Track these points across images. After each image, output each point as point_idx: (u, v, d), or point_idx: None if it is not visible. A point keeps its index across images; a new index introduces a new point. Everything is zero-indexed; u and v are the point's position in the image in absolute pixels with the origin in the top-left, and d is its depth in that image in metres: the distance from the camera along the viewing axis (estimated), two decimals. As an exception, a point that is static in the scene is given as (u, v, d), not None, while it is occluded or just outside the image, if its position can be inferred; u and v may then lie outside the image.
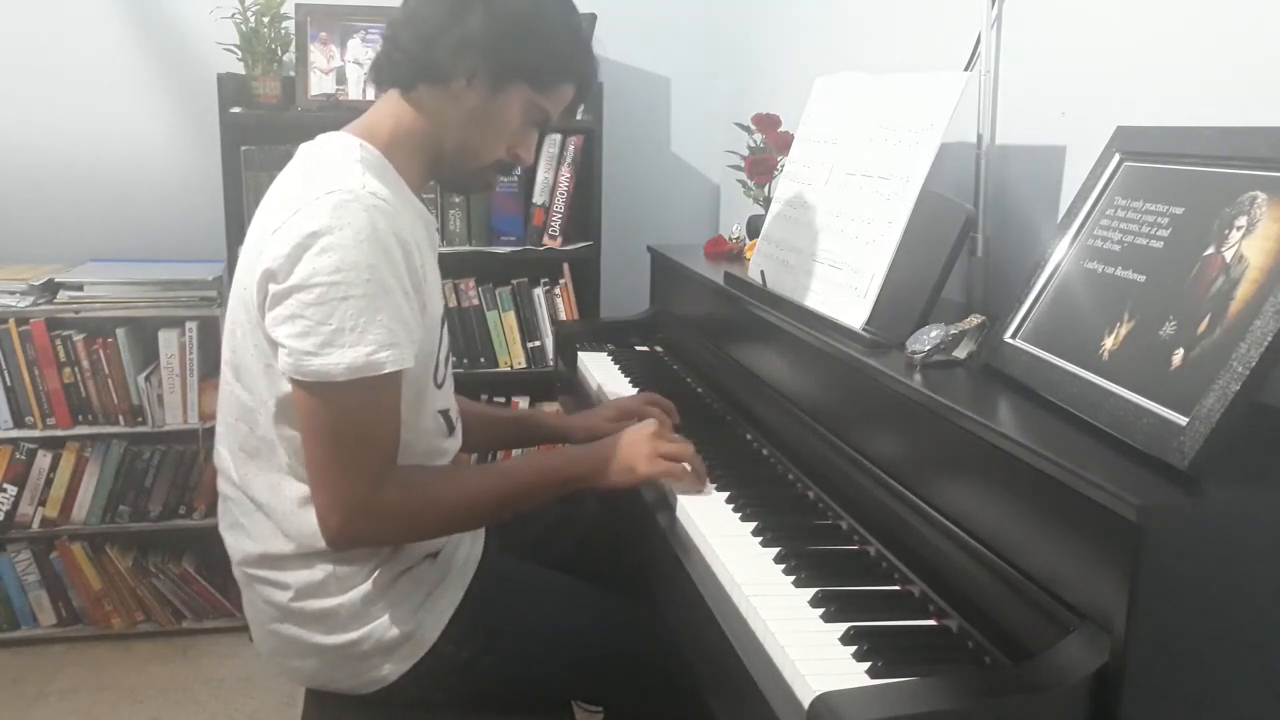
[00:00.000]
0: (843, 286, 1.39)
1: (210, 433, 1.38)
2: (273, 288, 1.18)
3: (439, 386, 1.37)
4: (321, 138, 1.33)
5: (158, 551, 2.59)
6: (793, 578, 1.11)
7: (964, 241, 1.32)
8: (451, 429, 1.42)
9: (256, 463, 1.30)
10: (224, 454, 1.35)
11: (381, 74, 1.33)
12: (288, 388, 1.22)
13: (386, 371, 1.18)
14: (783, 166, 1.83)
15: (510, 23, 1.27)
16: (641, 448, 1.34)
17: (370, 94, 1.41)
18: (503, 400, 2.70)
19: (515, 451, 2.63)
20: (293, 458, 1.27)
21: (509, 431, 1.77)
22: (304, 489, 1.26)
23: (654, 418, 1.47)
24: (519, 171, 2.59)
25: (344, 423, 1.19)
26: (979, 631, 0.97)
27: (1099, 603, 0.84)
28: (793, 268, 1.54)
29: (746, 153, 2.09)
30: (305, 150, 1.33)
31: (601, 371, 1.96)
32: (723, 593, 1.12)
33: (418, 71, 1.29)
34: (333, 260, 1.16)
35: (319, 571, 1.29)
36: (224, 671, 2.45)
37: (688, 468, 1.35)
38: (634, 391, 1.80)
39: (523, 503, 1.35)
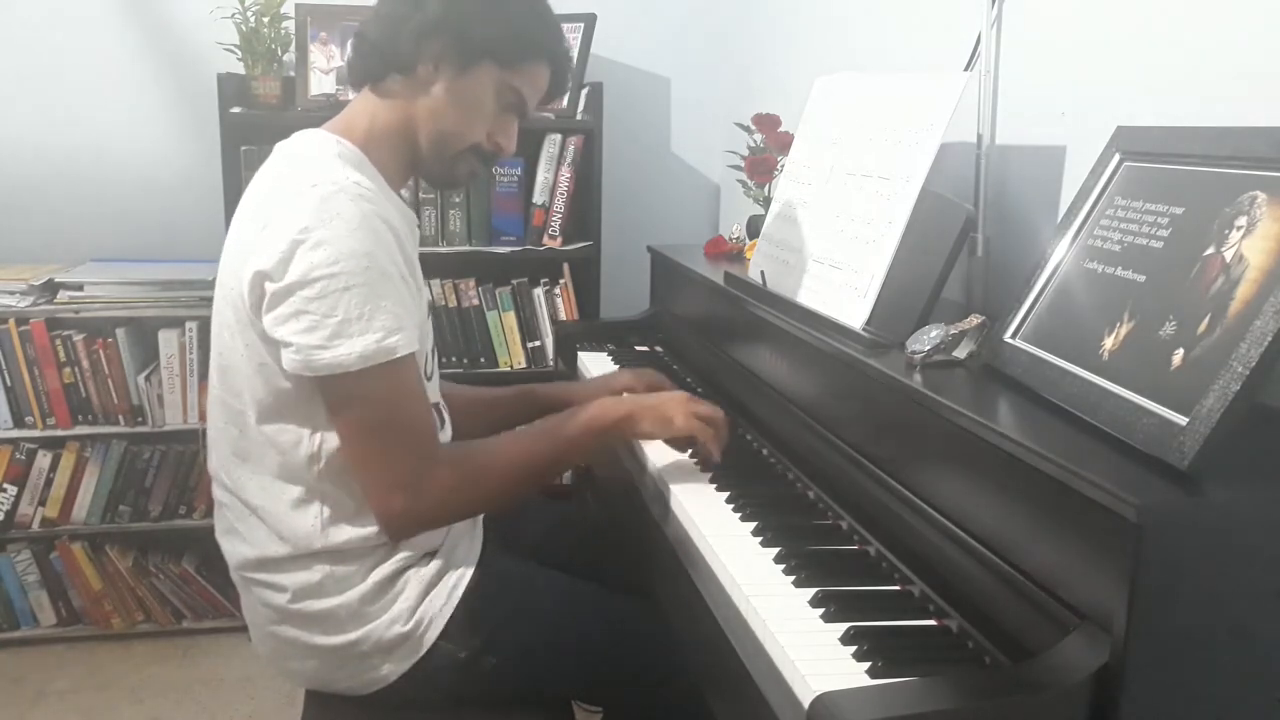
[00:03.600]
0: (843, 286, 1.39)
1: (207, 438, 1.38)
2: (269, 287, 1.18)
3: (428, 379, 1.37)
4: (297, 135, 1.34)
5: (158, 551, 2.59)
6: (793, 578, 1.11)
7: (964, 241, 1.32)
8: (441, 422, 1.42)
9: (248, 466, 1.30)
10: (216, 459, 1.35)
11: (353, 73, 1.35)
12: (280, 385, 1.22)
13: (400, 355, 1.19)
14: (783, 166, 1.83)
15: (469, 1, 1.28)
16: (680, 404, 1.39)
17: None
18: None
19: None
20: (282, 458, 1.26)
21: (512, 409, 1.74)
22: (296, 490, 1.27)
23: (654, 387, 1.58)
24: (520, 172, 2.60)
25: (378, 410, 1.20)
26: (979, 631, 0.97)
27: (1099, 603, 0.84)
28: (793, 268, 1.54)
29: (746, 153, 2.09)
30: (281, 149, 1.33)
31: (601, 372, 1.96)
32: (723, 593, 1.12)
33: (385, 63, 1.31)
34: (329, 253, 1.16)
35: (316, 573, 1.29)
36: (224, 671, 2.45)
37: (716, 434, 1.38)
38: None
39: (568, 457, 1.40)
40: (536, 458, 1.34)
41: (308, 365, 1.17)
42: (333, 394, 1.20)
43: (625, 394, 1.61)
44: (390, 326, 1.18)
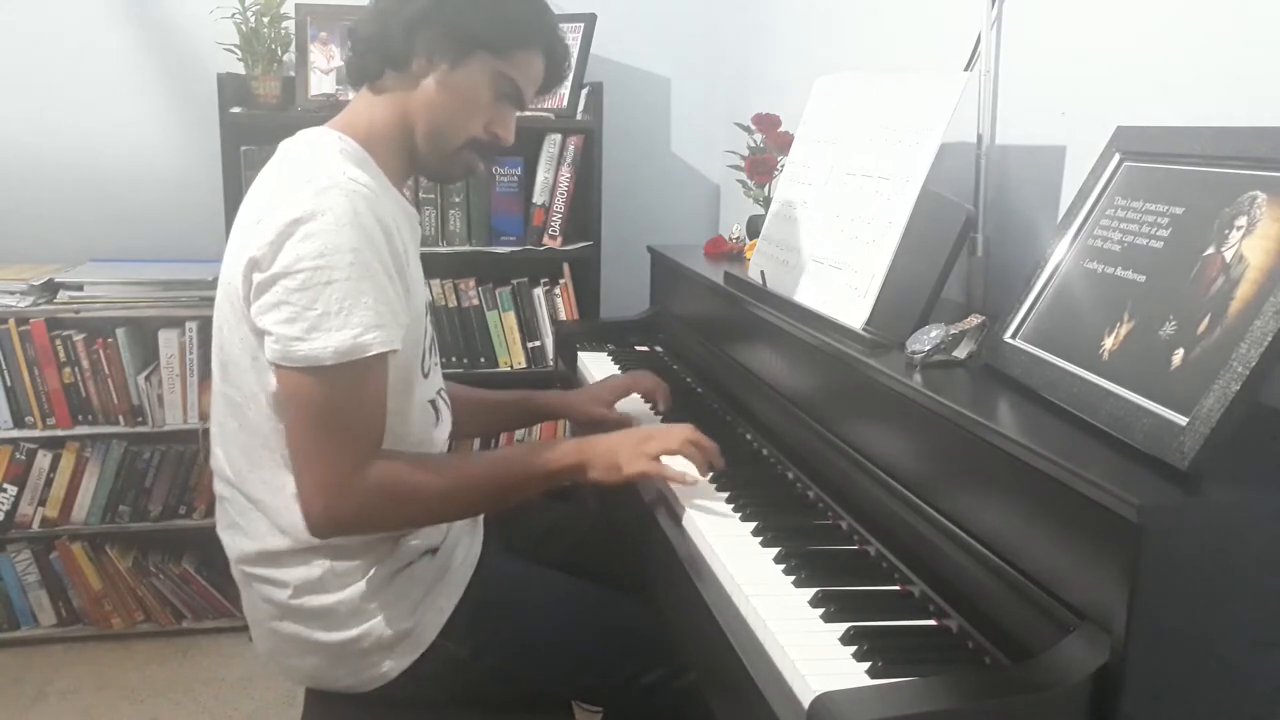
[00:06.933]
0: (843, 286, 1.39)
1: (210, 433, 1.38)
2: (256, 276, 1.19)
3: (425, 376, 1.37)
4: (301, 134, 1.34)
5: (158, 551, 2.59)
6: (793, 578, 1.11)
7: (964, 241, 1.32)
8: (439, 418, 1.43)
9: (250, 459, 1.30)
10: (219, 454, 1.35)
11: (351, 72, 1.35)
12: (273, 379, 1.22)
13: (374, 353, 1.18)
14: (783, 166, 1.83)
15: None
16: (631, 447, 1.33)
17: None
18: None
19: (517, 435, 2.64)
20: (283, 450, 1.26)
21: (507, 414, 1.76)
22: None
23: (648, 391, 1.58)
24: (520, 172, 2.60)
25: (330, 405, 1.19)
26: (979, 631, 0.97)
27: (1099, 603, 0.84)
28: (793, 268, 1.54)
29: (746, 153, 2.09)
30: (285, 147, 1.34)
31: (601, 372, 1.96)
32: (722, 593, 1.12)
33: (380, 59, 1.31)
34: (315, 245, 1.16)
35: (317, 568, 1.29)
36: (224, 671, 2.45)
37: (674, 468, 1.33)
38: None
39: (510, 494, 1.34)
40: (478, 487, 1.31)
41: (285, 356, 1.18)
42: (293, 381, 1.19)
43: (607, 408, 1.64)
44: (369, 322, 1.18)
